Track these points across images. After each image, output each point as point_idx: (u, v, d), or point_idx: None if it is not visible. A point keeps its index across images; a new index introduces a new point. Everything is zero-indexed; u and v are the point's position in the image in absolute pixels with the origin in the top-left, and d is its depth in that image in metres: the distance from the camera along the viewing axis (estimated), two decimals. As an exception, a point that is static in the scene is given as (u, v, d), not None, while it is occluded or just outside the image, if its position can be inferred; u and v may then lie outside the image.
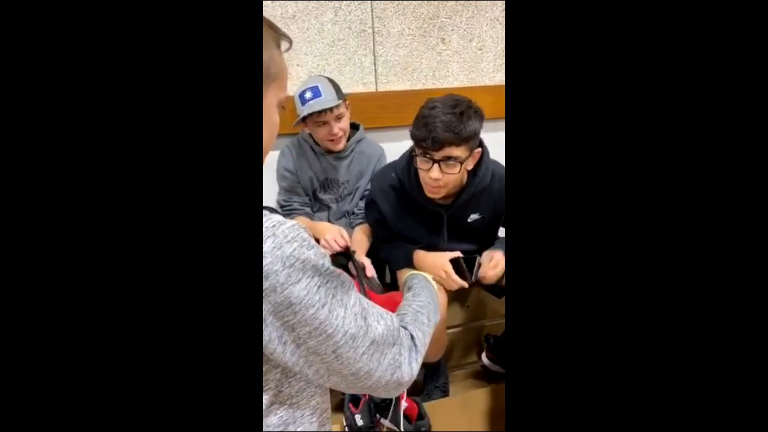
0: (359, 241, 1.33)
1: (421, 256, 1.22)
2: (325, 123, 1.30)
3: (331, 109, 1.28)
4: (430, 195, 1.14)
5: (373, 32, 1.59)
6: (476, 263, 1.14)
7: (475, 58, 1.71)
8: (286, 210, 1.43)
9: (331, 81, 1.34)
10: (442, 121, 1.01)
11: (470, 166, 1.14)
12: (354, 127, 1.45)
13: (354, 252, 1.10)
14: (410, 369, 0.57)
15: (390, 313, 0.59)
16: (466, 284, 1.13)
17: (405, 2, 1.59)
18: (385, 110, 1.62)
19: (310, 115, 1.28)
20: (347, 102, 1.36)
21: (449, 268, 1.13)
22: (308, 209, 1.43)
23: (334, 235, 1.19)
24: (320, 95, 1.28)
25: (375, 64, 1.62)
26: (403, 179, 1.20)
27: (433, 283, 0.87)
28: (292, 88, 1.46)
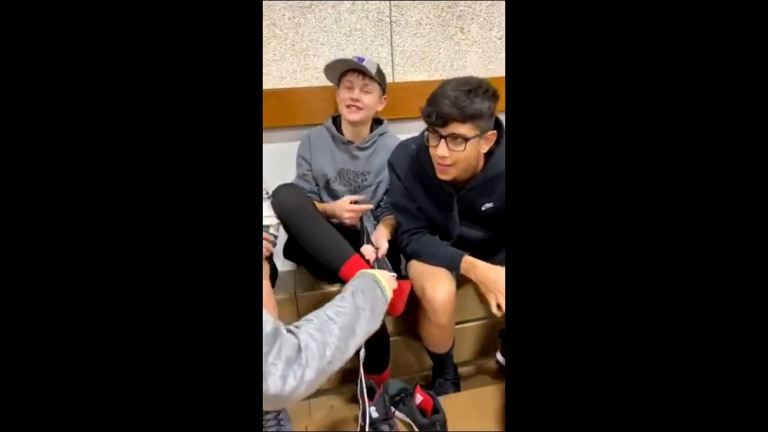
0: (382, 230, 1.36)
1: (472, 263, 1.15)
2: (351, 88, 1.36)
3: (360, 73, 1.34)
4: (440, 175, 1.11)
5: (391, 21, 1.57)
6: None
7: (495, 48, 1.68)
8: None
9: (380, 69, 1.41)
10: (448, 96, 1.01)
11: (484, 149, 1.12)
12: (378, 122, 1.49)
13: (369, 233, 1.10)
14: (282, 383, 0.49)
15: (272, 318, 0.52)
16: None
17: (423, -9, 1.56)
18: (401, 101, 1.60)
19: (345, 73, 1.36)
20: (383, 95, 1.43)
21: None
22: (315, 197, 1.47)
23: (344, 206, 1.26)
24: (363, 61, 1.35)
25: (392, 54, 1.60)
26: (420, 154, 1.20)
27: (385, 285, 0.81)
28: (308, 80, 1.45)
